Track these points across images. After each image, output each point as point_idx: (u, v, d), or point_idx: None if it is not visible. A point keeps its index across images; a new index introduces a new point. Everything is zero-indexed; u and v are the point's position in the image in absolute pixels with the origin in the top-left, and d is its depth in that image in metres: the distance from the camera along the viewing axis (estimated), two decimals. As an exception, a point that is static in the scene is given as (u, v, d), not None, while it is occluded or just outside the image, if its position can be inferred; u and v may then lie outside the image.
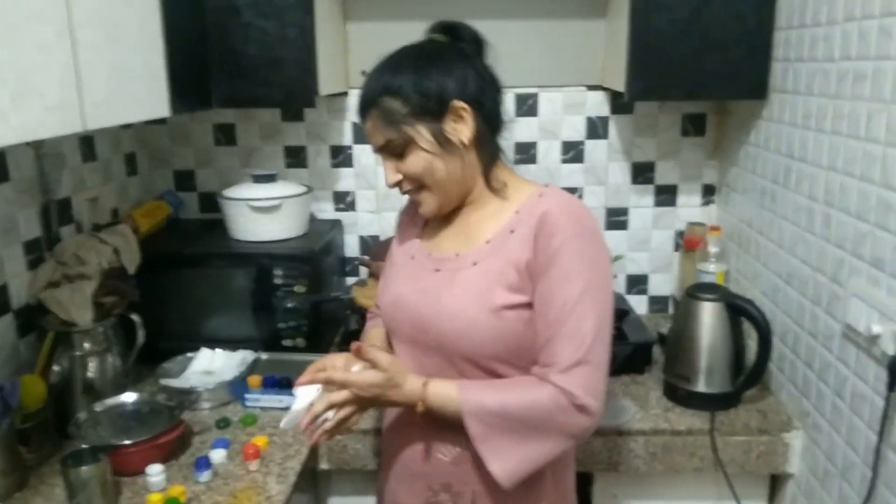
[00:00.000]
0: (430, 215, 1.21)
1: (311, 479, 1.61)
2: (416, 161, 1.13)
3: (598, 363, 1.08)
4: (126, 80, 1.33)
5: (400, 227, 1.35)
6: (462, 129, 1.13)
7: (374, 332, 1.37)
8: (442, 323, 1.14)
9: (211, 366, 1.77)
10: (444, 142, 1.12)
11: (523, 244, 1.11)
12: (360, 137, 2.12)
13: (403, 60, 1.14)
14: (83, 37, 1.18)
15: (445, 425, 1.14)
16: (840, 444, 1.37)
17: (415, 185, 1.16)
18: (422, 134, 1.11)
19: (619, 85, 1.77)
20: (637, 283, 2.20)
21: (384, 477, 1.31)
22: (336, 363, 1.16)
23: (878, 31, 1.23)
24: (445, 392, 1.11)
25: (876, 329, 1.21)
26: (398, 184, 1.17)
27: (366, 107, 1.15)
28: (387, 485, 1.30)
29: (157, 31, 1.44)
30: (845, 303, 1.34)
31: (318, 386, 1.16)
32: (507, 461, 1.08)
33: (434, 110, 1.11)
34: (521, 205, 1.16)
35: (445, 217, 1.23)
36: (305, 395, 1.16)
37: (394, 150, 1.14)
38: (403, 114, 1.11)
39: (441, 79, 1.11)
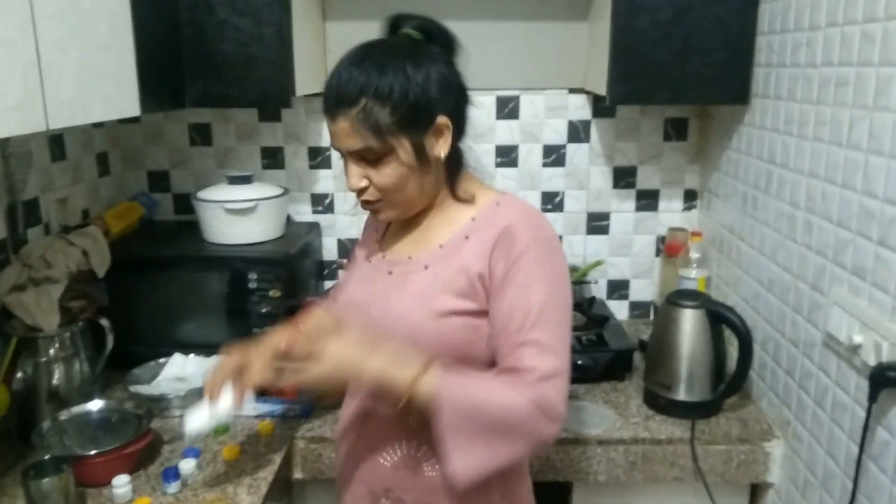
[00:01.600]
0: (388, 221, 1.20)
1: (286, 489, 1.57)
2: (390, 173, 1.07)
3: (567, 374, 1.06)
4: (94, 77, 1.29)
5: (364, 229, 1.33)
6: (441, 144, 1.09)
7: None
8: (390, 326, 1.11)
9: (183, 372, 1.73)
10: (421, 156, 1.08)
11: (478, 254, 1.08)
12: (338, 139, 2.09)
13: (390, 62, 1.04)
14: (47, 32, 1.14)
15: (390, 427, 1.13)
16: (820, 454, 1.36)
17: (380, 194, 1.10)
18: (404, 147, 1.06)
19: (601, 88, 1.76)
20: (618, 288, 2.19)
21: (336, 481, 1.30)
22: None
23: (860, 36, 1.22)
24: (429, 385, 1.03)
25: (857, 339, 1.19)
26: (362, 189, 1.11)
27: (342, 105, 1.05)
28: (337, 487, 1.29)
29: (127, 28, 1.40)
30: (826, 311, 1.32)
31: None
32: (471, 458, 1.02)
33: (421, 123, 1.06)
34: (477, 212, 1.13)
35: (405, 221, 1.20)
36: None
37: (367, 157, 1.07)
38: (389, 123, 1.04)
39: (430, 89, 1.05)
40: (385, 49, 1.07)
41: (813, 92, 1.39)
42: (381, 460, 1.17)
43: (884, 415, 1.15)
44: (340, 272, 2.12)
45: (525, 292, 1.05)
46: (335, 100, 1.06)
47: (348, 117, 1.05)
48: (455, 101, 1.10)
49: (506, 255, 1.06)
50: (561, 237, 2.14)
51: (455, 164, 1.15)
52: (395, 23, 1.13)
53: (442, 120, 1.07)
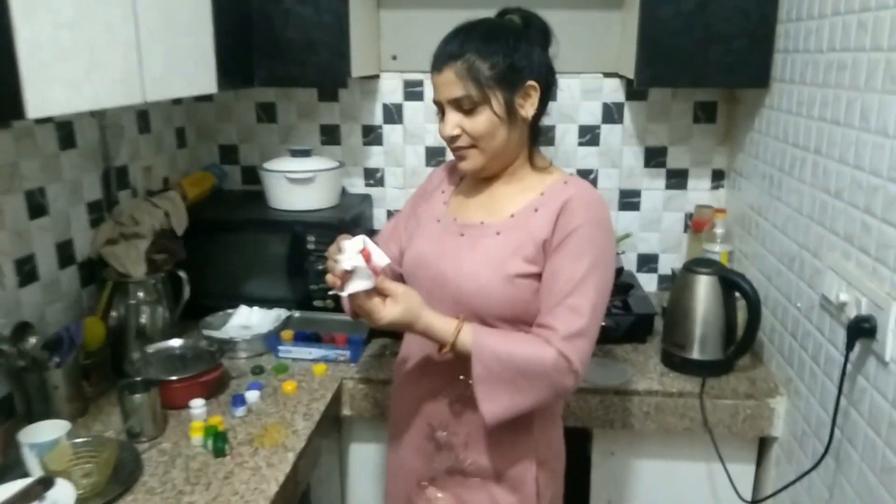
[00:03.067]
0: (469, 172, 1.33)
1: (336, 425, 1.78)
2: (482, 121, 1.23)
3: (592, 336, 1.23)
4: (179, 58, 1.50)
5: (424, 191, 1.48)
6: (528, 105, 1.26)
7: None
8: (461, 281, 1.27)
9: (248, 321, 1.95)
10: (510, 112, 1.25)
11: (545, 224, 1.25)
12: (389, 118, 2.28)
13: (494, 32, 1.25)
14: (144, 19, 1.34)
15: (450, 369, 1.29)
16: (815, 407, 1.49)
17: (470, 142, 1.26)
18: (497, 99, 1.23)
19: (632, 73, 1.89)
20: (647, 261, 2.32)
21: (392, 414, 1.48)
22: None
23: (856, 25, 1.34)
24: (466, 338, 1.23)
25: (843, 297, 1.32)
26: (455, 137, 1.26)
27: (449, 58, 1.23)
28: (393, 421, 1.47)
29: (207, 15, 1.61)
30: (822, 275, 1.45)
31: (356, 249, 1.17)
32: (497, 404, 1.22)
33: (514, 82, 1.23)
34: (546, 188, 1.30)
35: (474, 188, 1.36)
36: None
37: (463, 106, 1.24)
38: (488, 76, 1.22)
39: (526, 58, 1.24)
40: (491, 24, 1.28)
41: (819, 75, 1.51)
42: (442, 396, 1.34)
43: (862, 363, 1.28)
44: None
45: (572, 261, 1.22)
46: (444, 55, 1.25)
47: (453, 68, 1.23)
48: (545, 75, 1.28)
49: (564, 226, 1.23)
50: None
51: (535, 132, 1.33)
52: (501, 14, 1.33)
53: (532, 83, 1.25)
